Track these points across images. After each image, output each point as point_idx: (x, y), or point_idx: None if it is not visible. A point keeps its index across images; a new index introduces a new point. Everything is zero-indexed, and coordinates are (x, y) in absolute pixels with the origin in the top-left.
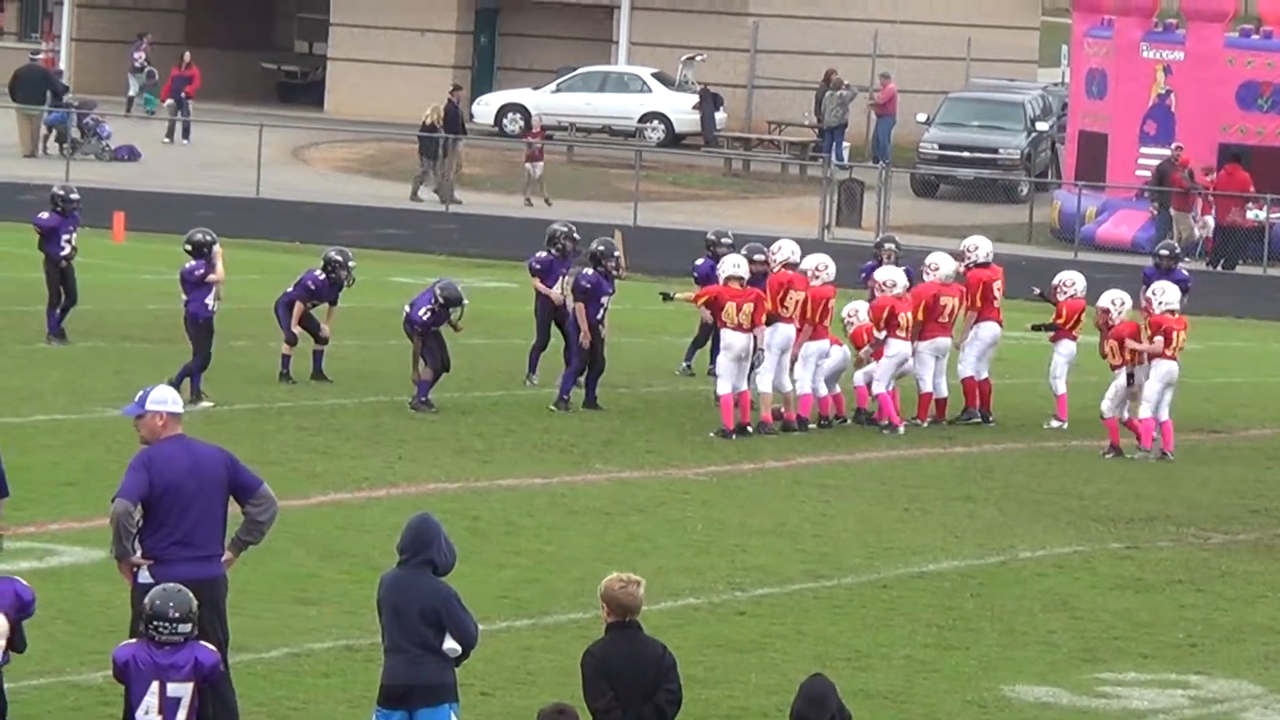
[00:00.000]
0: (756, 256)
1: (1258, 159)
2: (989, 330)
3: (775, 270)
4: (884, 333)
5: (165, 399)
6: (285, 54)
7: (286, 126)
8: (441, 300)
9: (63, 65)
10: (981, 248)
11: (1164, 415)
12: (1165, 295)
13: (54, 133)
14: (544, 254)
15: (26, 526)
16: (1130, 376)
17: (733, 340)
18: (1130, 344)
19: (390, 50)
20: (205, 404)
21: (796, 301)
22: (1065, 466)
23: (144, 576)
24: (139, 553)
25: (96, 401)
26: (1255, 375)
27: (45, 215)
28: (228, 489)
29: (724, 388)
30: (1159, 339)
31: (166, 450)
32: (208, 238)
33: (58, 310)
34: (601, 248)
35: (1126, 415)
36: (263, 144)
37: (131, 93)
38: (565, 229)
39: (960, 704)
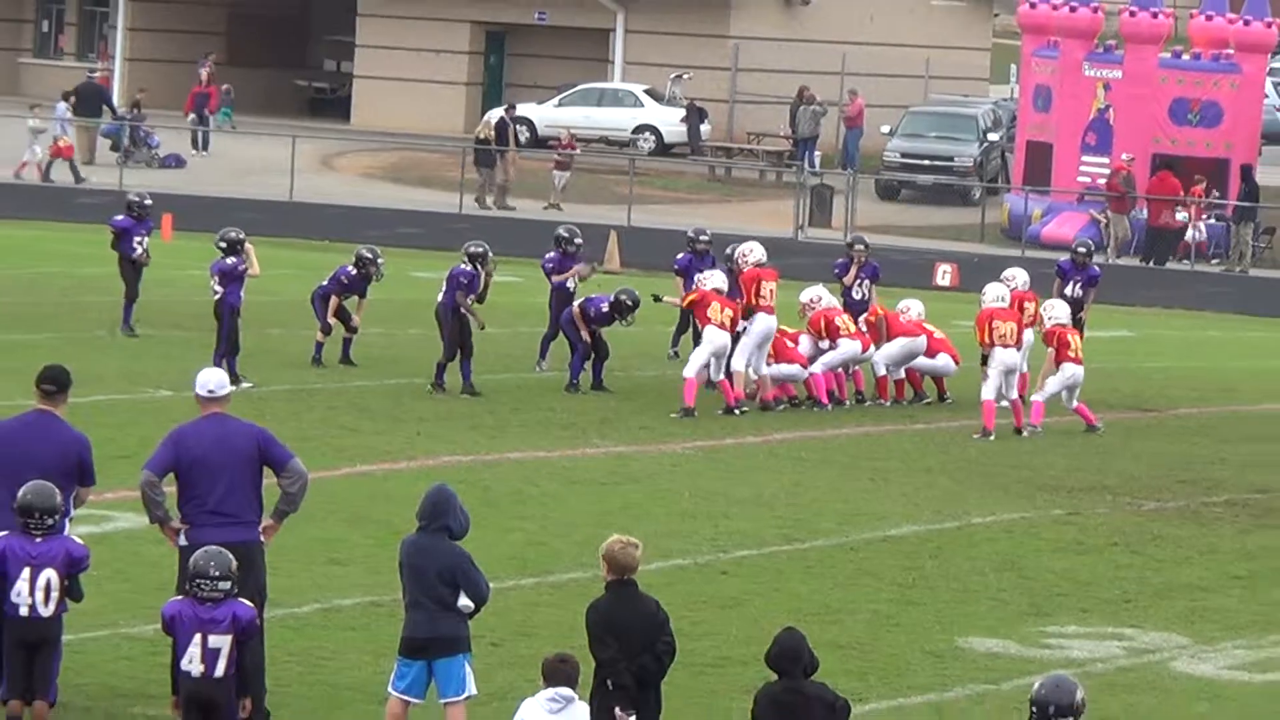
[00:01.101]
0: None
1: (1188, 167)
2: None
3: (746, 269)
4: (827, 340)
5: (205, 382)
6: (316, 72)
7: (317, 137)
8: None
9: (115, 83)
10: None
11: (1073, 403)
12: (1054, 311)
13: (109, 142)
14: (553, 253)
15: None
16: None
17: (715, 336)
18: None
19: (410, 69)
20: (246, 385)
21: (771, 290)
22: (1014, 442)
23: (183, 540)
24: (177, 518)
25: (149, 384)
26: (1183, 360)
27: (120, 217)
28: (259, 463)
29: (690, 370)
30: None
31: (199, 427)
32: (240, 235)
33: (134, 305)
34: (563, 232)
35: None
36: (296, 153)
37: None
38: (568, 232)
39: (919, 654)
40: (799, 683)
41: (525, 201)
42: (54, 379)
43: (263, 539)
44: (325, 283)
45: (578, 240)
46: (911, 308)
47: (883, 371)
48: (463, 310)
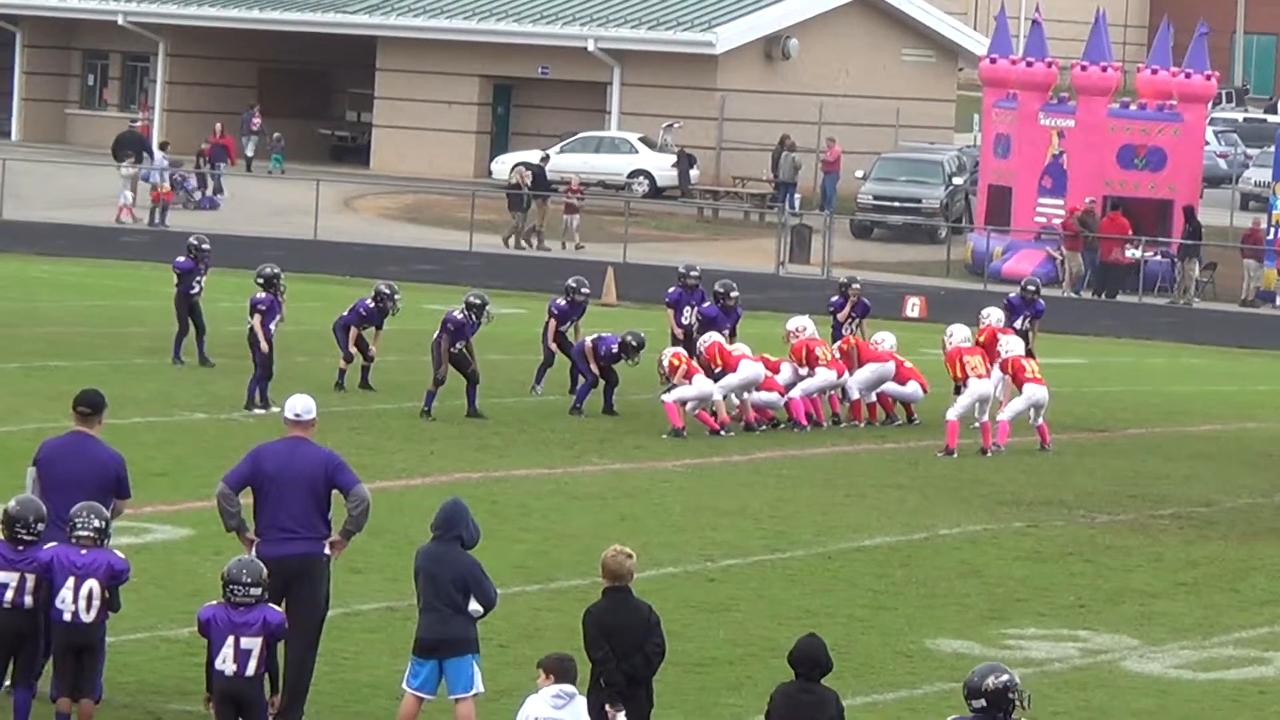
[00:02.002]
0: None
1: (1135, 208)
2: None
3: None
4: (806, 368)
5: (292, 406)
6: (338, 122)
7: (339, 181)
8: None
9: (155, 132)
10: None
11: (1038, 421)
12: (1009, 345)
13: (149, 186)
14: (562, 301)
15: (126, 510)
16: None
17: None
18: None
19: (424, 119)
20: (276, 409)
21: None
22: (977, 460)
23: (254, 551)
24: (252, 529)
25: (184, 407)
26: (1133, 385)
27: (182, 259)
28: (325, 485)
29: (671, 395)
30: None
31: (274, 447)
32: (275, 271)
33: (184, 339)
34: (572, 283)
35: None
36: (320, 195)
37: (249, 153)
38: (576, 282)
39: (891, 654)
40: (813, 684)
41: (588, 245)
42: (89, 402)
43: (329, 553)
44: (345, 314)
45: (585, 290)
46: (885, 340)
47: (856, 395)
48: (454, 350)
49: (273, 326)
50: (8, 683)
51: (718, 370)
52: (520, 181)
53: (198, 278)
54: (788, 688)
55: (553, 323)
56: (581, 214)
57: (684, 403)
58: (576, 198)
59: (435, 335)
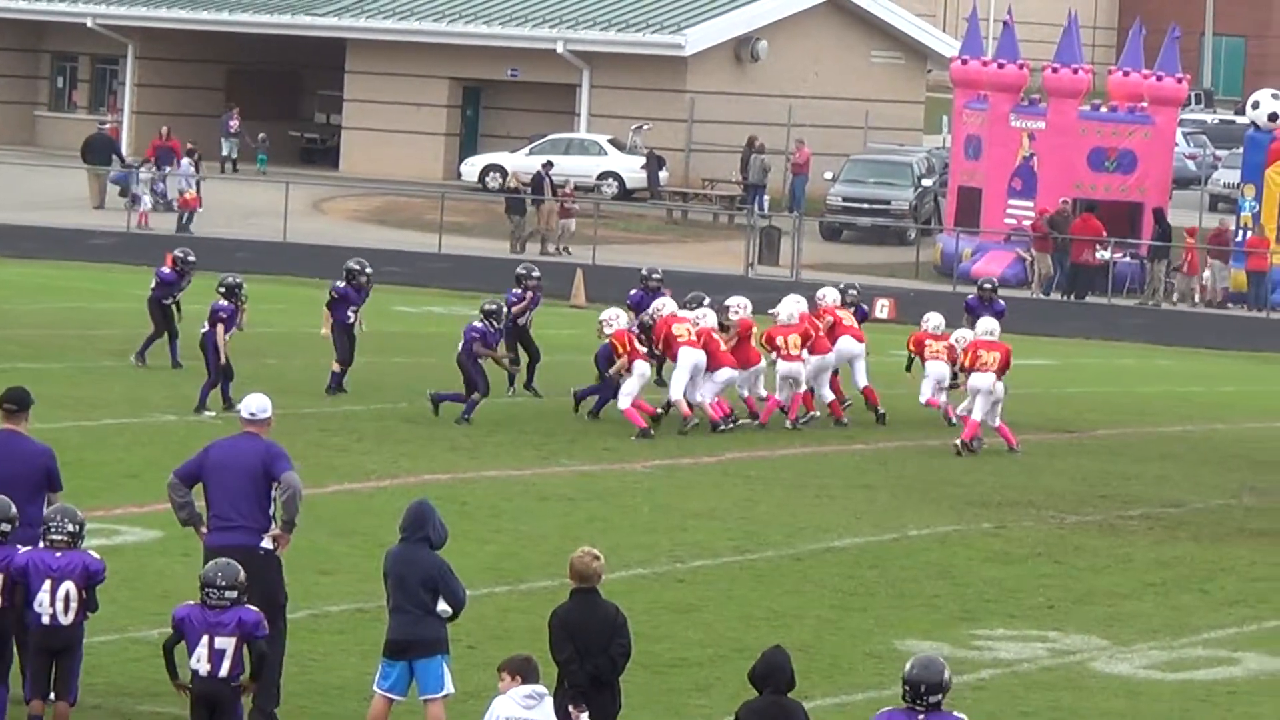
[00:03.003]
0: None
1: (1105, 210)
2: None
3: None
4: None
5: (246, 405)
6: (308, 124)
7: (309, 183)
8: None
9: (124, 134)
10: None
11: (995, 422)
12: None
13: (117, 188)
14: (516, 289)
15: (96, 511)
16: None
17: (687, 354)
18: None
19: (393, 121)
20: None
21: (687, 330)
22: (947, 460)
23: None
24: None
25: (154, 409)
26: (1102, 386)
27: (166, 270)
28: (265, 475)
29: (625, 401)
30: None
31: (224, 441)
32: (238, 280)
33: (155, 342)
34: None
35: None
36: (289, 198)
37: (225, 153)
38: (525, 270)
39: (860, 655)
40: (783, 699)
41: (496, 242)
42: (15, 399)
43: (270, 546)
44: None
45: (535, 274)
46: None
47: (804, 388)
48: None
49: (228, 335)
50: None
51: (659, 351)
52: (518, 185)
53: (177, 291)
54: (755, 704)
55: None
56: (576, 218)
57: (638, 401)
58: (570, 201)
59: (461, 347)
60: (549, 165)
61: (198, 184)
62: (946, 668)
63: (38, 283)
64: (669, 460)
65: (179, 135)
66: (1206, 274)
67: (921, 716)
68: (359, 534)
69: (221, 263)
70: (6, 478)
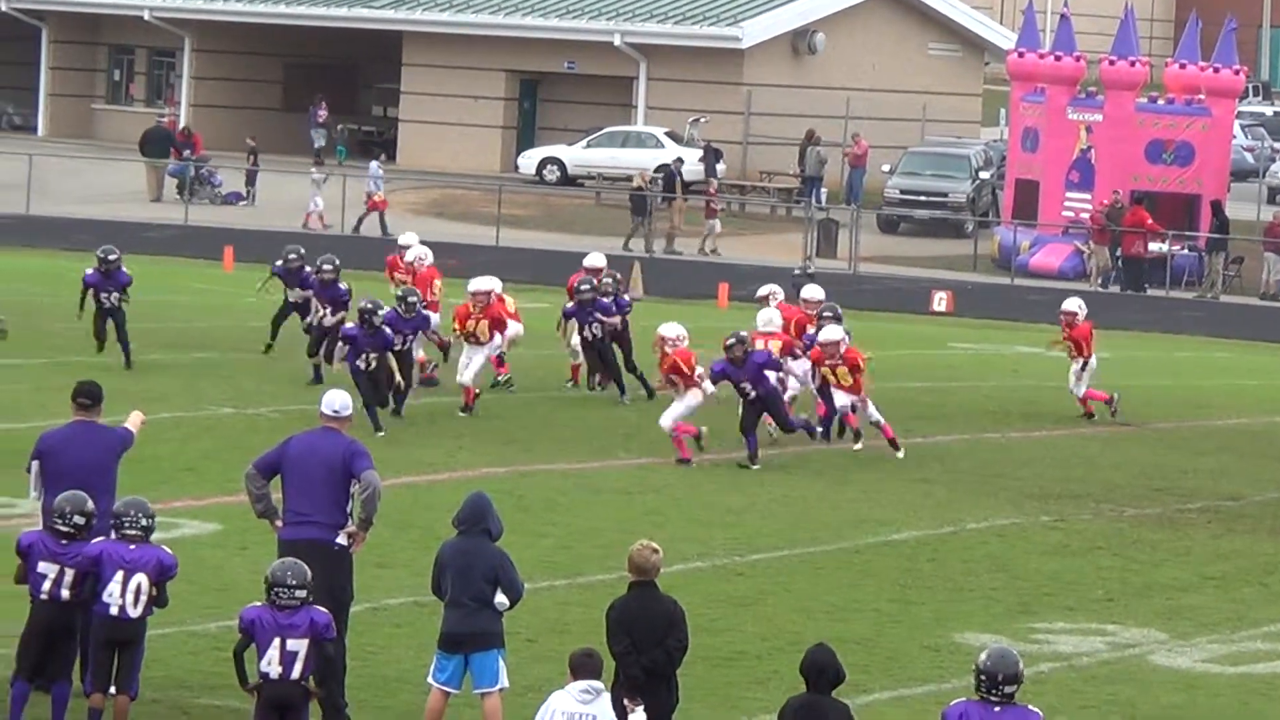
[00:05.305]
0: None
1: (1163, 202)
2: None
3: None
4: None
5: (329, 403)
6: (365, 117)
7: (366, 176)
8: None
9: (181, 127)
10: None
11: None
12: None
13: (175, 181)
14: (570, 305)
15: (154, 504)
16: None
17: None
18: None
19: (450, 113)
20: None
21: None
22: (1003, 454)
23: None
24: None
25: (210, 402)
26: (1159, 379)
27: (90, 272)
28: (344, 472)
29: (668, 423)
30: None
31: (305, 435)
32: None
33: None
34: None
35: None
36: (346, 190)
37: (316, 145)
38: (587, 286)
39: (919, 649)
40: (822, 698)
41: (615, 240)
42: (89, 393)
43: (344, 543)
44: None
45: (590, 285)
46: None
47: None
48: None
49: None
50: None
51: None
52: (643, 184)
53: (104, 293)
54: (795, 701)
55: (566, 324)
56: (720, 217)
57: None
58: (715, 201)
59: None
60: (680, 162)
61: (198, 174)
62: (1020, 659)
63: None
64: (726, 454)
65: (239, 130)
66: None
67: (997, 709)
68: (416, 528)
69: (278, 256)
70: (83, 467)
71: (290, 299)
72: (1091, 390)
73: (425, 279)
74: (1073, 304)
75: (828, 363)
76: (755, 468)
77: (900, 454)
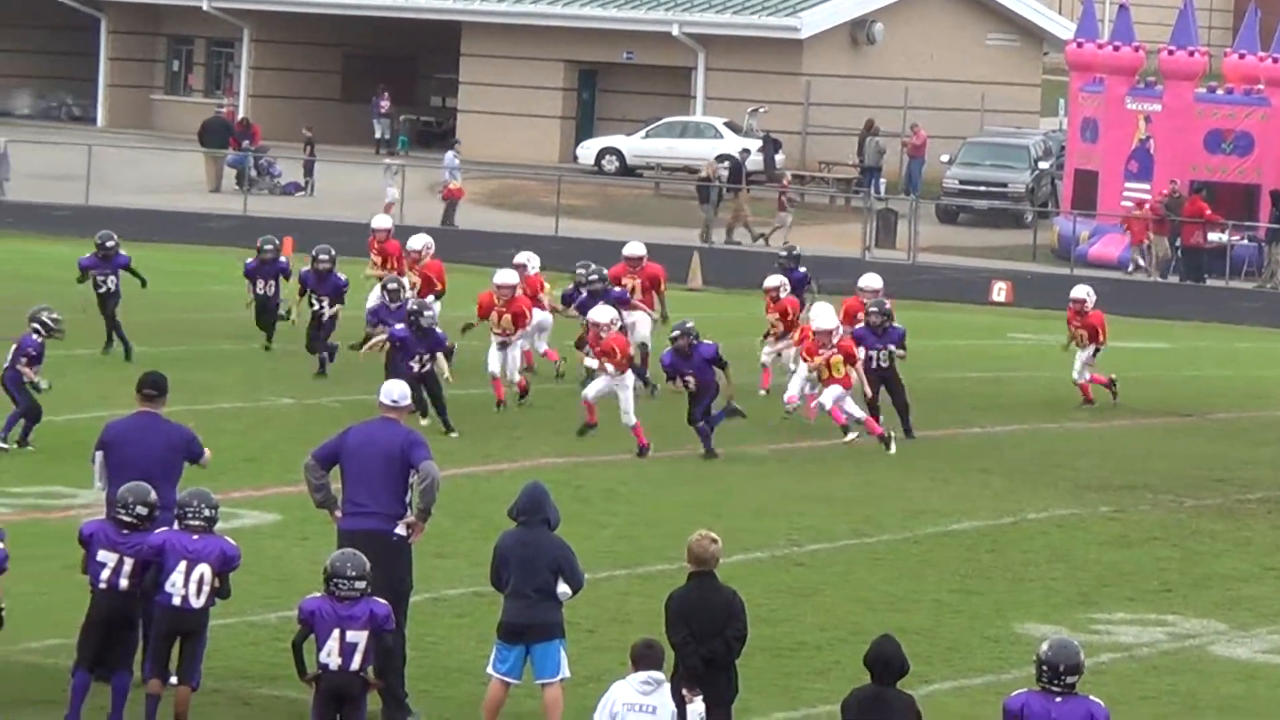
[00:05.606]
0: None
1: (1222, 192)
2: None
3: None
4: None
5: (388, 392)
6: (424, 107)
7: (425, 166)
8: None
9: (240, 118)
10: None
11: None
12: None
13: (235, 172)
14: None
15: (215, 495)
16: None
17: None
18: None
19: (509, 104)
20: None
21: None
22: (1062, 444)
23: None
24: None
25: (268, 392)
26: (1218, 369)
27: (86, 257)
28: (402, 462)
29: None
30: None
31: (364, 425)
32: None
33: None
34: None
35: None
36: (405, 180)
37: (378, 135)
38: (585, 272)
39: (979, 639)
40: (887, 690)
41: (673, 230)
42: (155, 384)
43: (403, 533)
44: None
45: (596, 276)
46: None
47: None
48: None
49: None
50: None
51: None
52: (712, 174)
53: (100, 274)
54: (860, 693)
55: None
56: (793, 211)
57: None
58: (787, 192)
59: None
60: (745, 154)
61: (258, 164)
62: (1081, 649)
63: (153, 266)
64: (785, 444)
65: (298, 120)
66: None
67: (1059, 699)
68: (476, 518)
69: (340, 245)
70: (147, 458)
71: (259, 291)
72: (1094, 375)
73: (432, 269)
74: (1081, 291)
75: (822, 353)
76: (719, 457)
77: (891, 450)
